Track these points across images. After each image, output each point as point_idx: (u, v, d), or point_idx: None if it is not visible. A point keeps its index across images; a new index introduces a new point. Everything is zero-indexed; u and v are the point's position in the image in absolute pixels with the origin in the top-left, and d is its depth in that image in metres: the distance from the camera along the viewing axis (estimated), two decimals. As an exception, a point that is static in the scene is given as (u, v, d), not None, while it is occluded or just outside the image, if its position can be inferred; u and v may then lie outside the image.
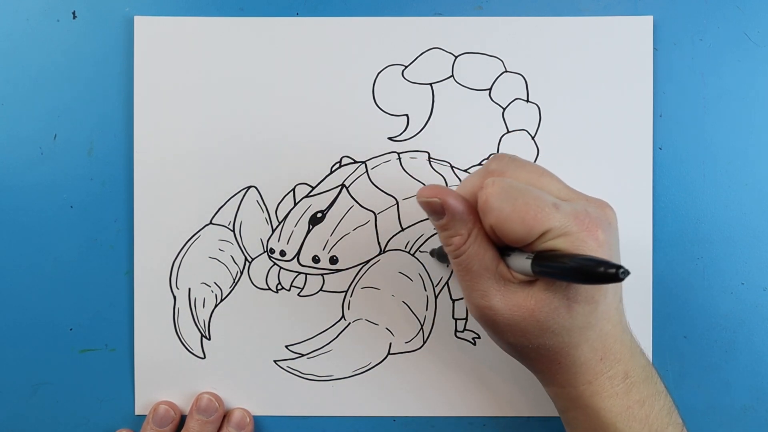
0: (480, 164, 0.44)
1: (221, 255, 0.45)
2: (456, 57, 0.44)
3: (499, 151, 0.44)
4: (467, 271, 0.34)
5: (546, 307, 0.32)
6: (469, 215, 0.33)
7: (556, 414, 0.44)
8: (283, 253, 0.44)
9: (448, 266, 0.44)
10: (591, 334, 0.33)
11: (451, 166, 0.44)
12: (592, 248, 0.31)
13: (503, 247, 0.34)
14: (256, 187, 0.45)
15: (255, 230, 0.45)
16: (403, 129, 0.45)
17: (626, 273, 0.27)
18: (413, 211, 0.44)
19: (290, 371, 0.45)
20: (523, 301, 0.33)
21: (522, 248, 0.32)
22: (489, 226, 0.32)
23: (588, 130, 0.44)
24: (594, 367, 0.34)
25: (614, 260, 0.31)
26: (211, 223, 0.45)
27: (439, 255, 0.43)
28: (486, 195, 0.32)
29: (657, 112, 0.44)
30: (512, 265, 0.33)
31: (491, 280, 0.33)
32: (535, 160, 0.44)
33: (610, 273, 0.27)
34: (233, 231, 0.45)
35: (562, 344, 0.33)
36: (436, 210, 0.33)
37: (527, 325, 0.33)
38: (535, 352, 0.34)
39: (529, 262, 0.31)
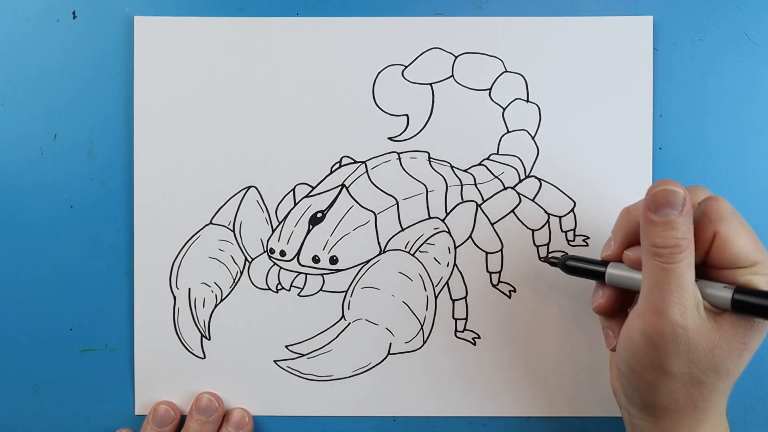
0: (480, 164, 0.44)
1: (221, 255, 0.45)
2: (456, 57, 0.44)
3: (499, 152, 0.44)
4: (677, 281, 0.31)
5: (725, 345, 0.31)
6: (692, 218, 0.32)
7: (555, 414, 0.44)
8: (283, 253, 0.44)
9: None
10: (732, 385, 0.33)
11: (451, 166, 0.44)
12: None
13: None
14: (256, 187, 0.45)
15: (255, 230, 0.45)
16: (403, 129, 0.45)
17: None
18: (413, 211, 0.44)
19: (290, 371, 0.45)
20: (710, 332, 0.32)
21: (714, 275, 0.32)
22: (712, 233, 0.32)
23: (588, 130, 0.44)
24: (715, 418, 0.34)
25: None
26: (211, 223, 0.45)
27: (569, 268, 0.39)
28: (719, 204, 0.32)
29: (657, 112, 0.44)
30: (707, 293, 0.32)
31: (692, 299, 0.32)
32: (534, 161, 0.44)
33: None
34: (233, 231, 0.45)
35: (713, 387, 0.33)
36: (675, 201, 0.32)
37: (701, 356, 0.32)
38: (684, 388, 0.33)
39: (728, 292, 0.31)
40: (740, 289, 0.31)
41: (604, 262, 0.37)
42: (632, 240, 0.36)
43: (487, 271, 0.44)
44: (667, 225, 0.32)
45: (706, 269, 0.34)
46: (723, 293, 0.31)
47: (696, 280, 0.32)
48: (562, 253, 0.42)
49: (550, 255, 0.43)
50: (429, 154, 0.45)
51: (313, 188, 0.45)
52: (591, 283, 0.40)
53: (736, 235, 0.31)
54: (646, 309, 0.32)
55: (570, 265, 0.39)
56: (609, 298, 0.37)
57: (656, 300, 0.32)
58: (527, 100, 0.44)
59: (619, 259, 0.37)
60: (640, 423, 0.36)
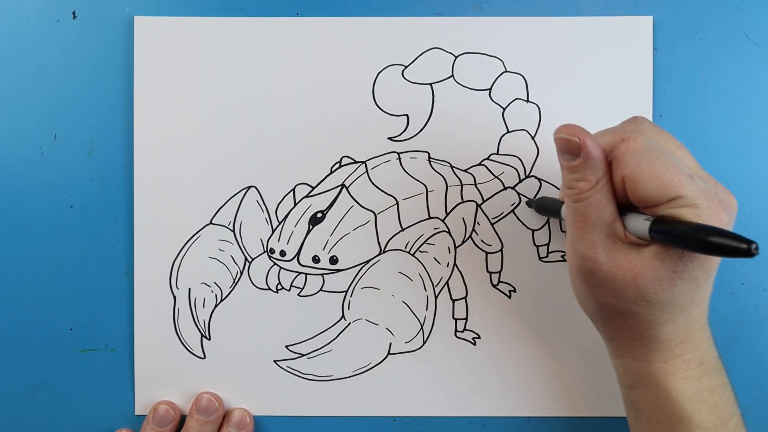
0: (480, 164, 0.44)
1: (221, 255, 0.45)
2: (456, 57, 0.44)
3: (499, 152, 0.44)
4: (582, 219, 0.33)
5: (650, 275, 0.32)
6: (602, 162, 0.33)
7: (555, 414, 0.44)
8: (283, 253, 0.44)
9: (546, 218, 0.44)
10: (680, 315, 0.33)
11: (451, 166, 0.44)
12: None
13: (622, 207, 0.33)
14: (256, 187, 0.45)
15: (255, 230, 0.45)
16: (403, 129, 0.45)
17: (758, 249, 0.27)
18: (413, 211, 0.44)
19: (290, 371, 0.45)
20: (628, 263, 0.32)
21: (642, 211, 0.32)
22: (621, 177, 0.32)
23: (588, 129, 0.44)
24: (673, 348, 0.34)
25: None
26: (211, 223, 0.45)
27: (539, 207, 0.43)
28: (627, 147, 0.32)
29: (657, 112, 0.44)
30: (629, 226, 0.33)
31: (602, 233, 0.33)
32: (534, 161, 0.44)
33: (741, 247, 0.27)
34: (233, 231, 0.45)
35: (651, 317, 0.33)
36: (572, 150, 0.33)
37: (625, 288, 0.33)
38: (620, 317, 0.34)
39: (647, 223, 0.31)
40: (659, 218, 0.31)
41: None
42: None
43: (487, 271, 0.44)
44: (569, 169, 0.34)
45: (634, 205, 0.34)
46: (641, 224, 0.32)
47: (624, 214, 0.33)
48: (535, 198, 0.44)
49: (525, 199, 0.45)
50: (429, 154, 0.45)
51: (313, 188, 0.45)
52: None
53: (643, 177, 0.31)
54: (566, 244, 0.35)
55: (540, 205, 0.43)
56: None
57: (569, 235, 0.35)
58: (527, 100, 0.44)
59: None
60: (605, 344, 0.38)
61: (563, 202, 0.39)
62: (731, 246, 0.27)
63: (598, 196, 0.33)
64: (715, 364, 0.35)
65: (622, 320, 0.34)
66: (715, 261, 0.33)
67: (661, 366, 0.34)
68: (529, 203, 0.44)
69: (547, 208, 0.42)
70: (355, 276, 0.44)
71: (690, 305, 0.33)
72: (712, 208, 0.31)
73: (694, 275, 0.32)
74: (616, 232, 0.33)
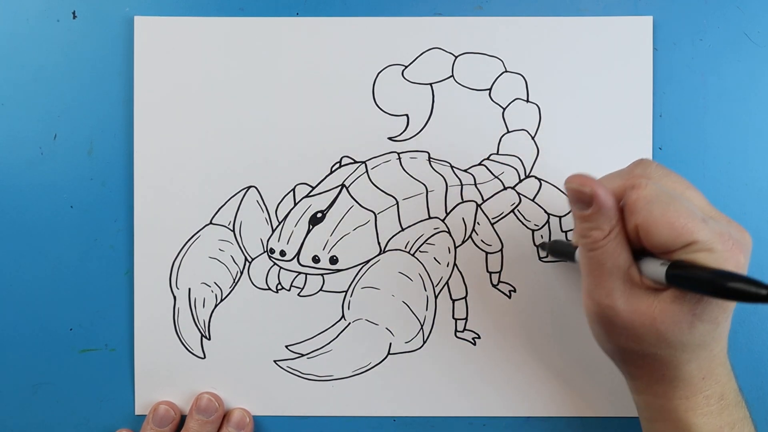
0: (480, 164, 0.44)
1: (221, 255, 0.45)
2: (456, 57, 0.44)
3: (499, 152, 0.44)
4: (598, 267, 0.33)
5: (669, 319, 0.32)
6: (614, 211, 0.33)
7: (556, 414, 0.44)
8: (283, 253, 0.44)
9: (562, 261, 0.44)
10: (702, 353, 0.33)
11: (451, 166, 0.44)
12: (732, 269, 0.31)
13: (637, 251, 0.33)
14: (256, 187, 0.45)
15: (255, 230, 0.45)
16: (403, 129, 0.45)
17: None
18: (413, 211, 0.44)
19: (290, 371, 0.45)
20: (646, 308, 0.32)
21: (658, 255, 0.32)
22: (634, 225, 0.32)
23: (588, 130, 0.44)
24: (695, 384, 0.34)
25: None
26: (211, 223, 0.45)
27: (552, 250, 0.43)
28: (638, 195, 0.32)
29: (657, 112, 0.44)
30: (644, 270, 0.33)
31: (619, 280, 0.33)
32: (534, 161, 0.44)
33: (760, 293, 0.27)
34: (233, 231, 0.45)
35: (672, 358, 0.33)
36: (584, 200, 0.33)
37: (644, 332, 0.32)
38: (641, 359, 0.34)
39: (663, 269, 0.31)
40: (675, 263, 0.31)
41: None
42: None
43: (487, 271, 0.44)
44: (582, 218, 0.33)
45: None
46: (658, 270, 0.32)
47: (640, 259, 0.33)
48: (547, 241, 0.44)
49: (539, 244, 0.44)
50: (429, 154, 0.45)
51: (313, 188, 0.45)
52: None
53: (656, 225, 0.31)
54: (583, 291, 0.35)
55: (554, 249, 0.43)
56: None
57: (585, 282, 0.34)
58: (527, 100, 0.44)
59: None
60: (627, 382, 0.37)
61: (576, 247, 0.39)
62: (750, 292, 0.27)
63: (613, 244, 0.33)
64: (735, 398, 0.35)
65: (644, 362, 0.34)
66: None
67: (682, 402, 0.34)
68: (543, 246, 0.44)
69: (561, 251, 0.41)
70: (355, 276, 0.44)
71: (711, 343, 0.33)
72: (728, 250, 0.31)
73: (714, 315, 0.32)
74: (632, 278, 0.33)
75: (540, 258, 0.44)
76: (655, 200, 0.31)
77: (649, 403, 0.36)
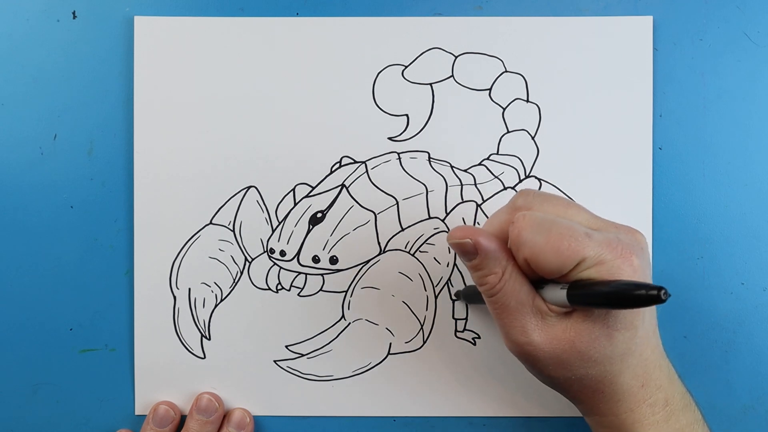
0: (480, 164, 0.44)
1: (221, 255, 0.45)
2: (456, 57, 0.44)
3: (499, 152, 0.44)
4: (504, 309, 0.33)
5: (586, 337, 0.32)
6: (501, 252, 0.33)
7: (556, 414, 0.44)
8: (283, 253, 0.44)
9: (477, 305, 0.44)
10: (632, 360, 0.33)
11: (451, 166, 0.44)
12: (628, 274, 0.31)
13: (537, 281, 0.34)
14: (256, 187, 0.45)
15: (255, 230, 0.45)
16: (403, 129, 0.45)
17: (668, 294, 0.27)
18: (413, 211, 0.44)
19: (290, 371, 0.45)
20: (562, 333, 0.33)
21: (557, 280, 0.32)
22: (523, 260, 0.32)
23: (588, 130, 0.44)
24: (636, 394, 0.34)
25: None
26: (211, 223, 0.45)
27: (466, 295, 0.43)
28: (518, 229, 0.32)
29: (657, 112, 0.44)
30: (548, 298, 0.33)
31: (529, 315, 0.33)
32: (534, 161, 0.44)
33: (651, 295, 0.28)
34: (233, 231, 0.45)
35: (605, 373, 0.33)
36: (468, 251, 0.33)
37: (568, 357, 0.33)
38: (577, 383, 0.34)
39: (564, 292, 0.31)
40: (573, 284, 0.31)
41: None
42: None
43: (487, 271, 0.44)
44: (473, 268, 0.34)
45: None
46: (559, 294, 0.32)
47: (541, 288, 0.33)
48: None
49: (455, 293, 0.44)
50: (429, 154, 0.45)
51: (313, 188, 0.45)
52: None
53: (543, 254, 0.31)
54: (500, 333, 0.35)
55: (467, 294, 0.43)
56: None
57: (499, 326, 0.34)
58: (527, 100, 0.44)
59: None
60: (577, 407, 0.37)
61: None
62: (644, 296, 0.28)
63: (510, 283, 0.33)
64: (681, 402, 0.35)
65: (580, 385, 0.34)
66: None
67: (628, 416, 0.34)
68: (457, 296, 0.44)
69: (473, 296, 0.41)
70: (355, 276, 0.44)
71: (638, 349, 0.33)
72: (619, 256, 0.31)
73: (628, 321, 0.32)
74: (540, 309, 0.33)
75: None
76: (535, 230, 0.31)
77: (600, 423, 0.36)
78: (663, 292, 0.27)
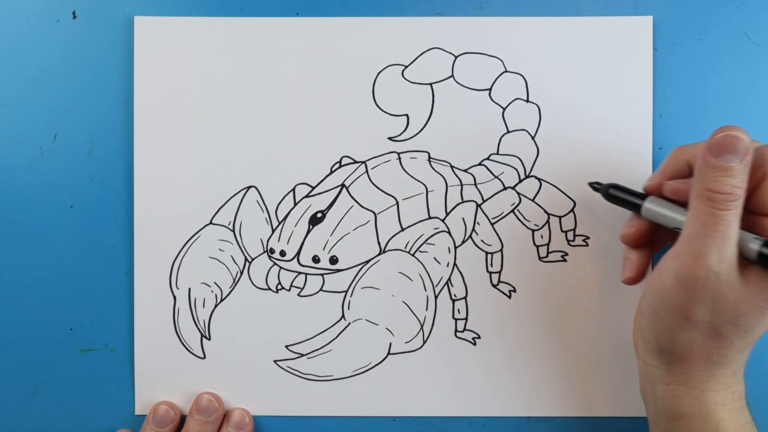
0: (480, 164, 0.44)
1: (221, 255, 0.45)
2: (456, 57, 0.44)
3: (499, 151, 0.44)
4: (724, 229, 0.31)
5: (752, 301, 0.31)
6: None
7: (556, 414, 0.44)
8: (283, 253, 0.44)
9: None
10: (748, 347, 0.33)
11: (451, 166, 0.44)
12: None
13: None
14: (256, 187, 0.45)
15: (255, 230, 0.45)
16: (403, 129, 0.45)
17: None
18: (413, 211, 0.44)
19: (290, 371, 0.45)
20: (738, 284, 0.32)
21: (759, 234, 0.31)
22: (761, 176, 0.32)
23: (588, 130, 0.44)
24: (728, 378, 0.34)
25: None
26: (211, 223, 0.45)
27: (611, 195, 0.39)
28: None
29: (657, 112, 0.44)
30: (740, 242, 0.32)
31: (732, 249, 0.32)
32: (534, 161, 0.44)
33: None
34: (233, 231, 0.45)
35: (729, 342, 0.32)
36: (739, 150, 0.32)
37: (725, 306, 0.32)
38: (701, 337, 0.33)
39: (756, 243, 0.31)
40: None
41: (644, 195, 0.38)
42: (676, 177, 0.37)
43: (487, 271, 0.44)
44: (726, 171, 0.32)
45: (745, 216, 0.33)
46: (751, 244, 0.31)
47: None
48: (603, 184, 0.41)
49: (594, 182, 0.42)
50: (429, 154, 0.45)
51: (313, 188, 0.45)
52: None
53: None
54: (684, 251, 0.32)
55: (612, 194, 0.40)
56: (639, 230, 0.38)
57: (698, 244, 0.32)
58: (527, 100, 0.44)
59: (659, 191, 0.37)
60: (654, 371, 0.36)
61: (646, 196, 0.38)
62: None
63: (742, 206, 0.32)
64: (745, 401, 0.35)
65: (702, 341, 0.33)
66: None
67: (713, 395, 0.34)
68: (596, 187, 0.41)
69: (622, 198, 0.39)
70: (355, 276, 0.44)
71: (755, 341, 0.33)
72: None
73: None
74: (737, 249, 0.32)
75: (540, 258, 0.44)
76: None
77: (679, 395, 0.35)
78: None
